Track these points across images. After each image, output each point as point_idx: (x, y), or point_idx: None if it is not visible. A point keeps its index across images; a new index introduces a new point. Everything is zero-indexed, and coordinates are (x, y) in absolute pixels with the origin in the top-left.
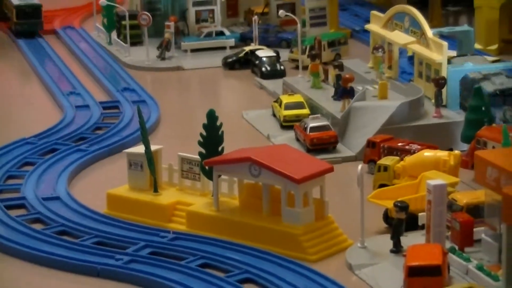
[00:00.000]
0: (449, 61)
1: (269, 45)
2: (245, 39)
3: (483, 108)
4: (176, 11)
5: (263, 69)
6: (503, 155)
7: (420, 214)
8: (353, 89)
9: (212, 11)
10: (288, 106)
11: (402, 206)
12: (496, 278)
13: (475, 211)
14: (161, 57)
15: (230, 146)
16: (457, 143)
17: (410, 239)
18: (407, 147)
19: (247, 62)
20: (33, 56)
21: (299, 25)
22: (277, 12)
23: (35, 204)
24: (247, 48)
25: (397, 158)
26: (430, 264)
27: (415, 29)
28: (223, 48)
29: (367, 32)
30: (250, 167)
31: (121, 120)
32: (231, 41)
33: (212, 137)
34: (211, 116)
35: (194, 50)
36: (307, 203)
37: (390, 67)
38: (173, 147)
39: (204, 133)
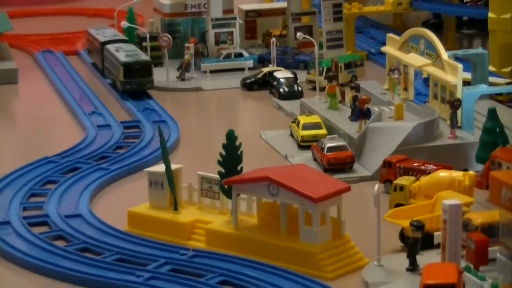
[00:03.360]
0: None
1: (286, 67)
2: (263, 60)
3: (497, 130)
4: (196, 33)
5: (281, 90)
6: None
7: (435, 233)
8: (370, 110)
9: (231, 33)
10: (306, 127)
11: (418, 226)
12: None
13: (490, 230)
14: (181, 78)
15: (248, 166)
16: (471, 163)
17: (425, 258)
18: (422, 167)
19: (265, 83)
20: (56, 77)
21: (316, 48)
22: (295, 34)
23: (58, 221)
24: (265, 70)
25: (413, 178)
26: (446, 282)
27: (430, 52)
28: (242, 69)
29: (383, 54)
30: (268, 186)
31: (142, 140)
32: (250, 63)
33: (231, 156)
34: (231, 136)
35: (213, 71)
36: (324, 222)
37: (405, 89)
38: (192, 166)
39: (224, 153)
